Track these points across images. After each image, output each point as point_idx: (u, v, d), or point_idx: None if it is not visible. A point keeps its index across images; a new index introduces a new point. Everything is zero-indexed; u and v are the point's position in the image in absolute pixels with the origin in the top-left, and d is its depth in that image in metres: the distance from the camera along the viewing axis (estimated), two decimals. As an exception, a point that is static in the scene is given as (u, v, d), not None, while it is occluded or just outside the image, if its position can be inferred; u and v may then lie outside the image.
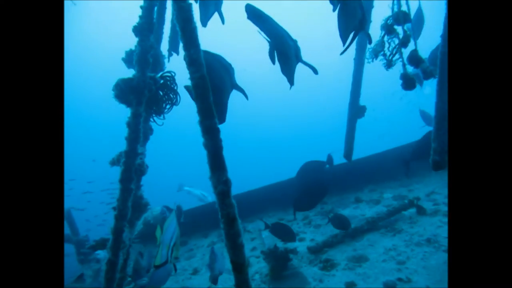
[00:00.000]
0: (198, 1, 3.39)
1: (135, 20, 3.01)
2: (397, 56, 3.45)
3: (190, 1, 2.26)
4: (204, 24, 3.51)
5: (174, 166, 35.58)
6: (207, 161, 2.15)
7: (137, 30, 2.91)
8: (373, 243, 4.36)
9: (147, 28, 2.90)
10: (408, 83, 3.15)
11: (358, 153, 6.07)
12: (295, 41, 2.62)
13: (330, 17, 2.88)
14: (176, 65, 3.44)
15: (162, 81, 3.22)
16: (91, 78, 38.01)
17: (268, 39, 2.47)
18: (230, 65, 2.68)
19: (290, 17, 27.36)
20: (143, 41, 2.89)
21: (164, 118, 3.42)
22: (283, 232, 4.32)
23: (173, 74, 3.30)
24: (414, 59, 2.96)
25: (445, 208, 4.70)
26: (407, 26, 3.42)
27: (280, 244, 4.45)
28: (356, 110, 5.43)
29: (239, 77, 2.74)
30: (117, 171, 3.01)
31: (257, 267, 4.58)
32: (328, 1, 2.53)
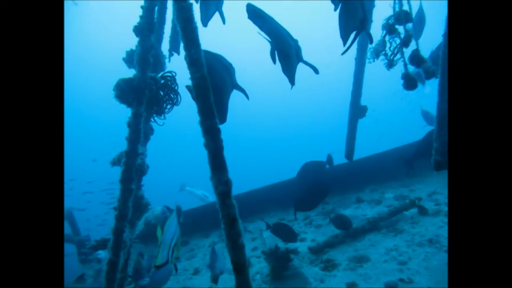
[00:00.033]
0: (199, 1, 3.39)
1: (135, 20, 3.01)
2: (398, 56, 3.44)
3: (191, 1, 2.25)
4: (204, 24, 3.50)
5: (175, 166, 35.60)
6: (208, 162, 2.15)
7: (137, 30, 2.91)
8: (374, 243, 4.34)
9: (147, 28, 2.89)
10: (410, 83, 3.14)
11: (359, 153, 6.07)
12: (296, 41, 2.61)
13: (331, 17, 2.87)
14: (177, 65, 3.44)
15: (162, 81, 3.22)
16: (91, 78, 38.08)
17: (269, 39, 2.47)
18: (230, 64, 2.68)
19: (291, 17, 27.33)
20: (143, 41, 2.89)
21: (165, 118, 3.42)
22: (285, 233, 4.32)
23: (174, 74, 3.30)
24: (416, 59, 2.95)
25: (446, 208, 4.69)
26: (409, 25, 3.40)
27: (281, 244, 4.44)
28: (357, 110, 5.42)
29: (240, 77, 2.73)
30: (117, 171, 3.01)
31: (258, 267, 4.57)
32: (329, 1, 2.52)
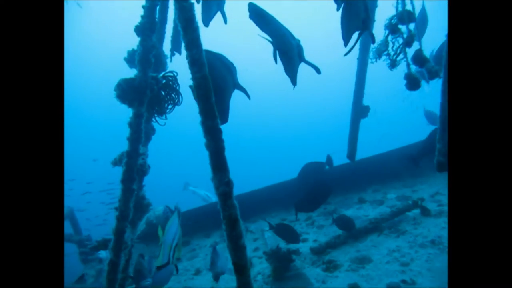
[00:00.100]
0: (201, 1, 3.38)
1: (137, 19, 3.00)
2: (401, 56, 3.41)
3: (192, 1, 2.24)
4: (206, 24, 3.49)
5: (177, 166, 35.64)
6: (209, 162, 2.14)
7: (139, 30, 2.90)
8: (376, 244, 4.32)
9: (149, 28, 2.88)
10: (413, 83, 3.11)
11: (360, 153, 6.04)
12: (297, 41, 2.59)
13: (332, 17, 2.85)
14: (179, 65, 3.43)
15: (164, 81, 3.21)
16: (93, 78, 38.16)
17: (270, 40, 2.46)
18: (232, 64, 2.67)
19: (292, 17, 27.33)
20: (145, 41, 2.88)
21: (166, 118, 3.41)
22: (287, 233, 4.30)
23: (175, 74, 3.28)
24: (419, 58, 2.92)
25: (449, 209, 4.65)
26: (411, 25, 3.38)
27: (283, 245, 4.42)
28: (359, 110, 5.40)
29: (241, 77, 2.72)
30: (117, 171, 3.00)
31: (260, 268, 4.55)
32: (331, 0, 2.51)
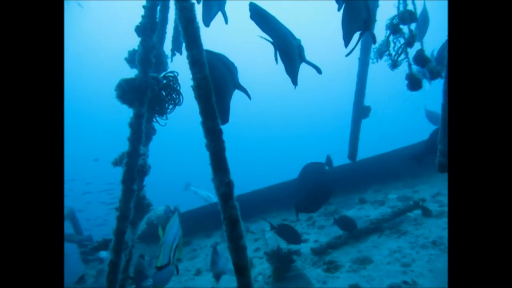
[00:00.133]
0: (201, 1, 3.37)
1: (138, 19, 3.00)
2: (402, 56, 3.40)
3: (193, 1, 2.23)
4: (206, 24, 3.49)
5: (177, 166, 35.65)
6: (210, 163, 2.13)
7: (139, 30, 2.89)
8: (377, 245, 4.31)
9: (149, 28, 2.88)
10: (414, 83, 3.10)
11: (360, 154, 6.03)
12: (298, 41, 2.59)
13: (333, 17, 2.84)
14: (179, 65, 3.42)
15: (165, 81, 3.20)
16: (94, 78, 38.18)
17: (271, 40, 2.45)
18: (233, 64, 2.66)
19: (293, 17, 27.31)
20: (145, 41, 2.87)
21: (167, 118, 3.40)
22: (289, 234, 4.29)
23: (176, 74, 3.28)
24: (421, 59, 2.91)
25: (450, 210, 4.63)
26: (413, 25, 3.37)
27: (284, 245, 4.41)
28: (360, 111, 5.38)
29: (242, 77, 2.71)
30: (117, 171, 3.00)
31: (260, 268, 4.55)
32: (332, 0, 2.50)
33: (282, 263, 4.13)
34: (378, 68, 4.58)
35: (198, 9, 2.39)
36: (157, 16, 3.00)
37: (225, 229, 2.11)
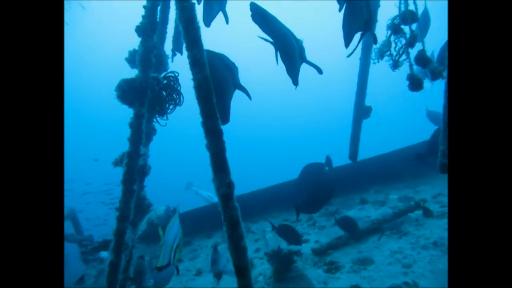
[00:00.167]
0: (201, 1, 3.37)
1: (139, 20, 2.99)
2: (403, 56, 3.39)
3: (193, 1, 2.23)
4: (207, 24, 3.49)
5: (178, 166, 35.66)
6: (210, 163, 2.12)
7: (140, 30, 2.88)
8: (378, 246, 4.30)
9: (150, 28, 2.87)
10: (415, 84, 3.09)
11: (361, 154, 6.01)
12: (299, 41, 2.58)
13: (334, 17, 2.83)
14: (180, 65, 3.42)
15: (165, 81, 3.19)
16: (95, 78, 38.21)
17: (271, 41, 2.44)
18: (233, 64, 2.65)
19: (294, 17, 27.28)
20: (146, 41, 2.86)
21: (167, 118, 3.39)
22: (290, 235, 4.28)
23: (177, 74, 3.27)
24: (422, 59, 2.90)
25: (452, 211, 4.62)
26: (414, 25, 3.36)
27: (284, 246, 4.40)
28: (361, 111, 5.37)
29: (242, 77, 2.70)
30: (117, 171, 2.99)
31: (261, 269, 4.54)
32: (332, 0, 2.49)
33: (282, 264, 4.13)
34: (379, 69, 4.57)
35: (199, 9, 2.39)
36: (158, 16, 2.99)
37: (226, 230, 2.11)
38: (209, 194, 12.26)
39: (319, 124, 42.05)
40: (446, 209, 4.74)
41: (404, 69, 3.37)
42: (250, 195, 6.62)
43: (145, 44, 2.86)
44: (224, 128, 2.22)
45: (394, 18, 3.35)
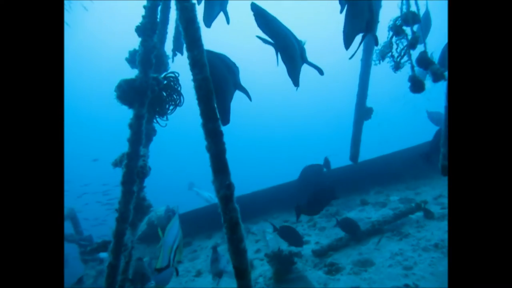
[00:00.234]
0: (201, 2, 3.36)
1: (140, 20, 2.98)
2: (405, 58, 3.37)
3: (194, 1, 2.21)
4: (208, 24, 3.47)
5: (179, 166, 35.67)
6: (210, 165, 2.11)
7: (140, 30, 2.87)
8: (379, 247, 4.28)
9: (150, 28, 2.86)
10: (417, 85, 3.07)
11: (362, 155, 6.00)
12: (300, 42, 2.57)
13: (335, 17, 2.82)
14: (180, 65, 3.41)
15: (165, 81, 3.18)
16: (95, 78, 38.23)
17: (271, 41, 2.43)
18: (234, 64, 2.64)
19: (294, 17, 27.28)
20: (146, 41, 2.85)
21: (167, 119, 3.38)
22: (291, 236, 4.26)
23: (177, 74, 3.26)
24: (424, 60, 2.88)
25: (453, 212, 4.60)
26: (415, 27, 3.34)
27: (285, 247, 4.39)
28: (362, 112, 5.36)
29: (242, 77, 2.69)
30: (117, 172, 2.98)
31: (261, 270, 4.52)
32: (333, 1, 2.48)
33: (283, 265, 4.11)
34: (380, 70, 4.55)
35: (199, 9, 2.38)
36: (158, 16, 2.98)
37: (226, 232, 2.09)
38: (210, 195, 12.25)
39: (320, 125, 42.06)
40: (447, 211, 4.72)
41: (406, 71, 3.35)
42: (251, 196, 6.60)
43: (145, 44, 2.85)
44: (224, 128, 2.21)
45: (395, 19, 3.34)
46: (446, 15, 1.78)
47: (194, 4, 2.19)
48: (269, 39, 2.44)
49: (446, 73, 2.72)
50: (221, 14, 3.70)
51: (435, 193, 5.57)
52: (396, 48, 3.45)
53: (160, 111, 3.26)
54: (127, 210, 2.83)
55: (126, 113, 2.95)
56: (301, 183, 6.04)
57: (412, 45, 3.18)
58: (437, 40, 4.24)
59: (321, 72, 2.78)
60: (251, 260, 4.73)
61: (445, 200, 5.16)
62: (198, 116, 2.15)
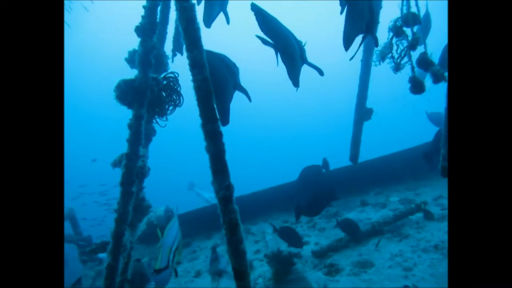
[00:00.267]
0: (201, 2, 3.35)
1: (140, 19, 2.97)
2: (405, 59, 3.36)
3: (193, 1, 2.21)
4: (208, 25, 3.47)
5: (179, 166, 35.66)
6: (209, 165, 2.10)
7: (139, 30, 2.86)
8: (378, 248, 4.27)
9: (149, 29, 2.84)
10: (417, 87, 3.06)
11: (362, 155, 5.98)
12: (300, 42, 2.56)
13: (335, 18, 2.81)
14: (180, 66, 3.40)
15: (165, 82, 3.17)
16: (96, 78, 38.22)
17: (271, 42, 2.42)
18: (234, 64, 2.63)
19: (294, 18, 27.28)
20: (145, 41, 2.84)
21: (167, 119, 3.37)
22: (291, 237, 4.26)
23: (176, 75, 3.25)
24: (424, 61, 2.87)
25: (453, 213, 4.59)
26: (416, 28, 3.33)
27: (284, 247, 4.38)
28: (362, 113, 5.35)
29: (242, 77, 2.68)
30: (116, 172, 2.97)
31: (261, 271, 4.52)
32: (333, 1, 2.47)
33: (282, 266, 4.11)
34: (380, 71, 4.54)
35: (199, 9, 2.37)
36: (158, 16, 2.97)
37: (225, 233, 2.09)
38: (211, 196, 12.24)
39: (320, 125, 42.05)
40: (447, 212, 4.72)
41: (406, 72, 3.34)
42: (250, 196, 6.59)
43: (144, 44, 2.84)
44: (223, 128, 2.20)
45: (396, 20, 3.33)
46: (446, 16, 1.77)
47: (193, 4, 2.18)
48: (269, 40, 2.44)
49: (446, 74, 2.71)
50: (221, 14, 3.69)
51: (435, 194, 5.56)
52: (396, 49, 3.44)
53: (159, 112, 3.25)
54: (126, 211, 2.82)
55: (126, 114, 2.95)
56: (299, 184, 6.03)
57: (412, 46, 3.17)
58: (437, 41, 4.23)
59: (321, 72, 2.77)
60: (250, 260, 4.73)
61: (445, 201, 5.16)
62: (198, 117, 2.14)
